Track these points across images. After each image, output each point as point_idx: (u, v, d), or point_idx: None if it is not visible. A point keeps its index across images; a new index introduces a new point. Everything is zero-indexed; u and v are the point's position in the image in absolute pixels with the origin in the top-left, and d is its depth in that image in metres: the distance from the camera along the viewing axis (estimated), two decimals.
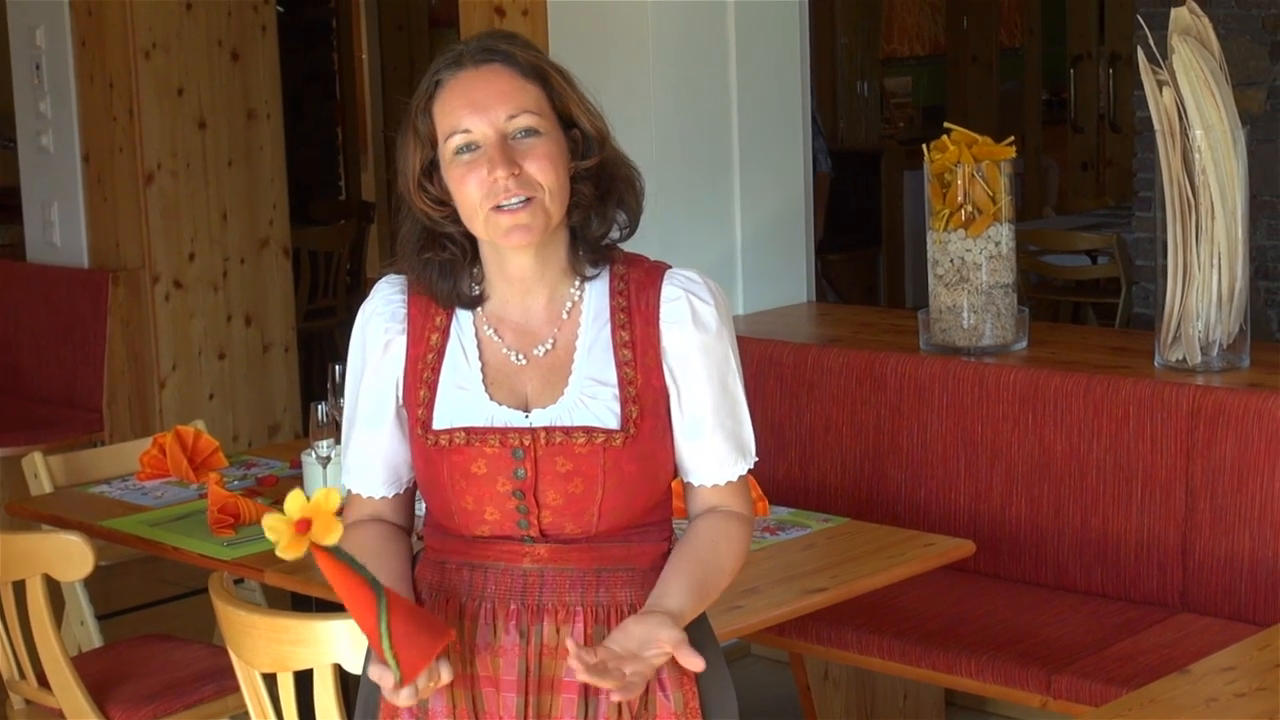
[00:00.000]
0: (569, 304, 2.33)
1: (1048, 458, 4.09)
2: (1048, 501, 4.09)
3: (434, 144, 2.28)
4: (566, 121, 2.29)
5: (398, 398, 2.34)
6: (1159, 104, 4.04)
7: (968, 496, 4.21)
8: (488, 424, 2.27)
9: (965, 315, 4.39)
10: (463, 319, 2.34)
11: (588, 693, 2.27)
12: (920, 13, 11.41)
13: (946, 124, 4.48)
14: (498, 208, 2.23)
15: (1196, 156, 4.00)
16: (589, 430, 2.26)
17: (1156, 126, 4.05)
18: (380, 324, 2.35)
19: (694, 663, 2.19)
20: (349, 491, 2.41)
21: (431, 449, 2.29)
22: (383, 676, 2.12)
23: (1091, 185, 10.73)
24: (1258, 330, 4.82)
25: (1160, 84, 4.03)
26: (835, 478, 4.41)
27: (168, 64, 6.30)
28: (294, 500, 2.08)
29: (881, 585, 3.48)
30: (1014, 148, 4.42)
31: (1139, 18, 4.36)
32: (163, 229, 6.33)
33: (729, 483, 2.37)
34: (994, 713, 4.49)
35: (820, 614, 3.72)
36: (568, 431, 2.26)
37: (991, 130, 4.46)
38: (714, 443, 2.33)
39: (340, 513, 2.13)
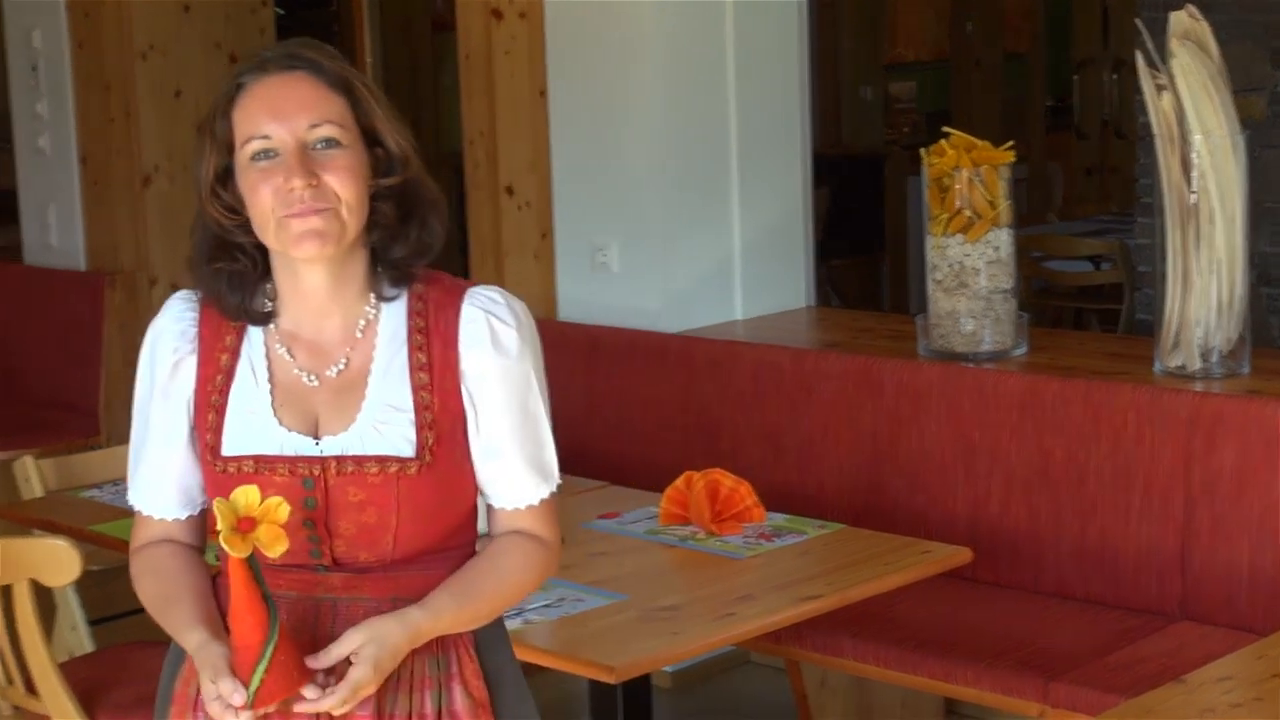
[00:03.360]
0: (363, 323, 2.26)
1: (1046, 464, 4.06)
2: (1046, 509, 4.06)
3: (230, 149, 2.22)
4: (370, 138, 2.23)
5: (189, 420, 2.28)
6: (1158, 109, 4.01)
7: (966, 503, 4.18)
8: (277, 452, 2.22)
9: (964, 321, 4.36)
10: (254, 338, 2.28)
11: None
12: (924, 18, 11.39)
13: (945, 128, 4.45)
14: (289, 215, 2.17)
15: (1196, 162, 3.97)
16: (382, 460, 2.20)
17: (1156, 132, 4.02)
18: (170, 343, 2.29)
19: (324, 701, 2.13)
20: (138, 513, 2.35)
21: (220, 476, 2.23)
22: (233, 694, 2.08)
23: (1096, 191, 10.69)
24: (1261, 337, 4.79)
25: (1159, 89, 4.00)
26: (833, 484, 4.38)
27: (165, 66, 6.28)
28: (245, 494, 2.09)
29: (878, 592, 3.45)
30: (1013, 152, 4.39)
31: (1139, 22, 4.33)
32: (160, 231, 6.30)
33: (530, 506, 2.31)
34: None
35: (817, 621, 3.69)
36: (359, 461, 2.20)
37: (995, 136, 4.43)
38: (513, 466, 2.28)
39: (244, 528, 2.09)
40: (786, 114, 5.12)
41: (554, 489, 2.33)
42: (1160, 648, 3.75)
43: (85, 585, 3.91)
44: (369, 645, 2.15)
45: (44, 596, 3.53)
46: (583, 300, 5.04)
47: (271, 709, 2.13)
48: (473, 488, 2.30)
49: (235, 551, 2.07)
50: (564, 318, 5.08)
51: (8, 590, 3.48)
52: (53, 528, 3.81)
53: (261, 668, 2.09)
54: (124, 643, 4.08)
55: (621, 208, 4.94)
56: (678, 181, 4.91)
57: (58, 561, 3.43)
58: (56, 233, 6.53)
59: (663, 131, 4.88)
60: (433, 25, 10.34)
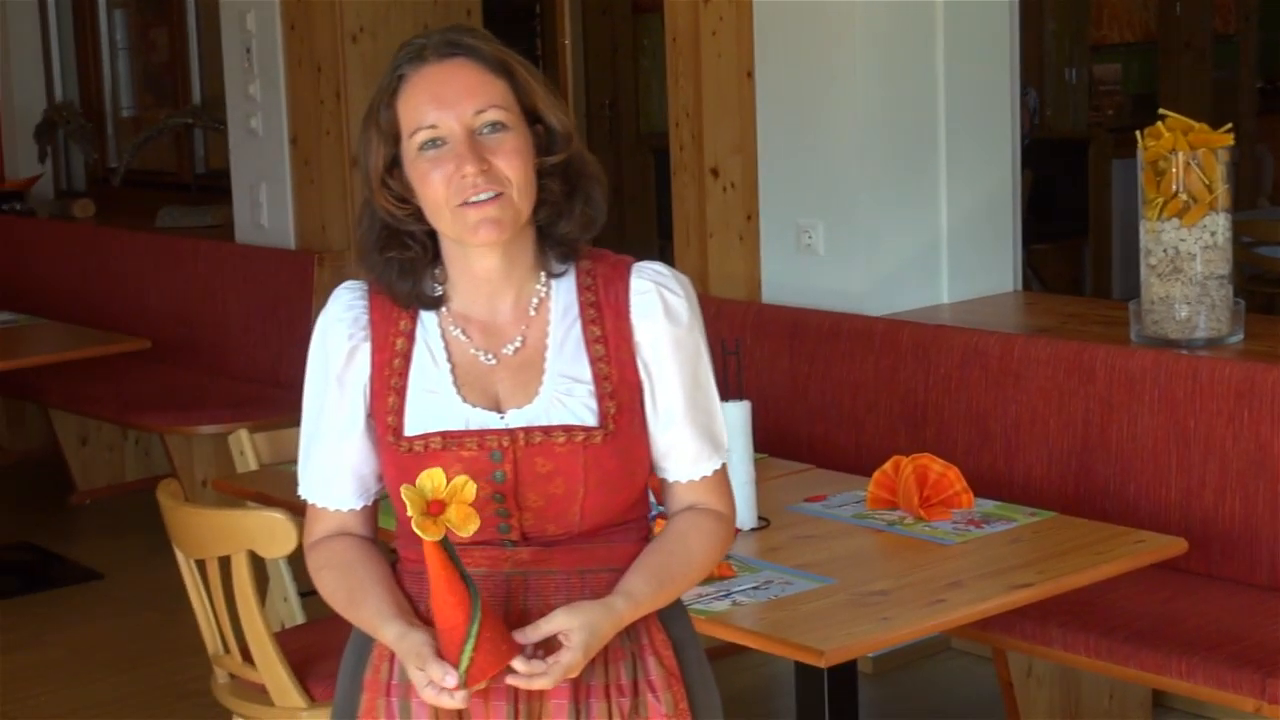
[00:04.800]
0: (535, 300, 2.29)
1: (1264, 454, 3.96)
2: (1264, 499, 3.97)
3: (397, 140, 2.24)
4: (531, 116, 2.26)
5: (365, 406, 2.30)
6: None
7: (1179, 493, 4.10)
8: (463, 427, 2.24)
9: (1178, 307, 4.28)
10: (427, 321, 2.30)
11: (578, 698, 2.25)
12: None
13: (1161, 110, 4.37)
14: (465, 203, 2.19)
15: None
16: (568, 429, 2.23)
17: None
18: (343, 330, 2.31)
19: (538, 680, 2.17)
20: (311, 506, 2.37)
21: (405, 456, 2.24)
22: (445, 676, 2.11)
23: None
24: None
25: None
26: (1041, 471, 4.32)
27: (374, 48, 6.36)
28: (430, 478, 2.10)
29: (1090, 582, 3.39)
30: (1231, 135, 4.29)
31: None
32: None
33: (704, 478, 2.34)
34: (1204, 716, 4.37)
35: (1024, 610, 3.65)
36: (547, 431, 2.23)
37: (1204, 119, 4.34)
38: (687, 436, 2.31)
39: (436, 510, 2.11)
40: (995, 96, 5.06)
41: (725, 459, 2.36)
42: None
43: (294, 556, 3.97)
44: (579, 632, 2.18)
45: (256, 568, 3.60)
46: (787, 282, 5.02)
47: (483, 685, 2.16)
48: (648, 460, 2.33)
49: (428, 535, 2.08)
50: (768, 299, 5.06)
51: (225, 561, 3.56)
52: (267, 500, 3.88)
53: (469, 646, 2.10)
54: (335, 614, 4.14)
55: (828, 189, 4.91)
56: (885, 163, 4.87)
57: (274, 533, 3.50)
58: (267, 212, 6.65)
59: (870, 112, 4.84)
60: (633, 7, 10.36)
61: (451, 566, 2.11)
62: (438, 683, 2.12)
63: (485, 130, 2.21)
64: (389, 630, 2.21)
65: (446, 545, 2.11)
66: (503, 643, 2.14)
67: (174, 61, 8.51)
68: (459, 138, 2.20)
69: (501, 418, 2.24)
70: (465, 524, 2.10)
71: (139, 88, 8.95)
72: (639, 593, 2.25)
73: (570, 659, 2.17)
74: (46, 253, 7.67)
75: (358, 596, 2.27)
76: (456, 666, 2.12)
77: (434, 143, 2.21)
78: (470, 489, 2.10)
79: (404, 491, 2.09)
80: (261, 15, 6.54)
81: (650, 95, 9.99)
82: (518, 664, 2.16)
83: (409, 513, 2.09)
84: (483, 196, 2.20)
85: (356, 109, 6.32)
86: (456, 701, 2.13)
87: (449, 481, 2.11)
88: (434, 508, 2.09)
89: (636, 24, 10.28)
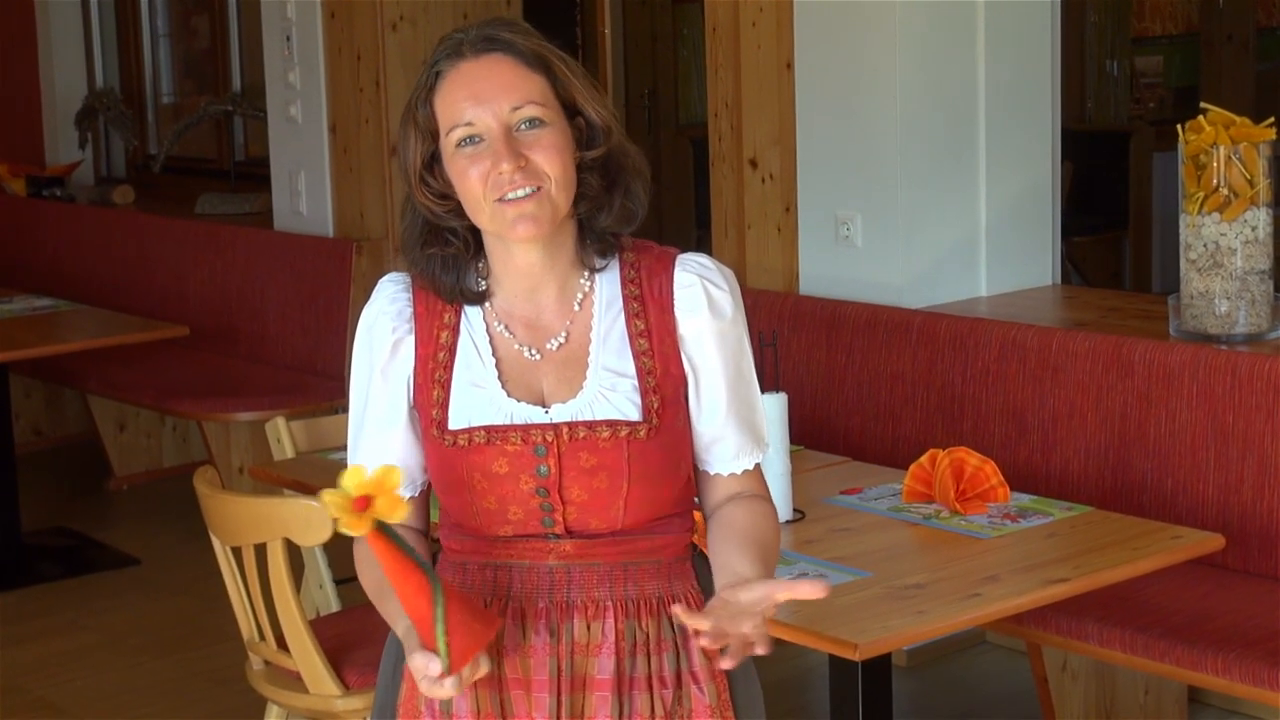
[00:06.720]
0: (580, 295, 2.28)
1: None
2: None
3: (435, 136, 2.23)
4: (571, 110, 2.24)
5: (409, 399, 2.30)
6: None
7: (1217, 488, 4.08)
8: (508, 421, 2.23)
9: (1218, 301, 4.26)
10: (472, 315, 2.29)
11: (621, 690, 2.24)
12: None
13: (1203, 104, 4.35)
14: (502, 199, 2.18)
15: None
16: (613, 423, 2.22)
17: None
18: (387, 324, 2.30)
19: (815, 590, 2.08)
20: None
21: (449, 450, 2.24)
22: (428, 665, 2.07)
23: None
24: None
25: None
26: (1078, 465, 4.31)
27: (414, 36, 6.37)
28: (353, 475, 2.03)
29: (1126, 577, 3.38)
30: (1274, 129, 4.27)
31: None
32: None
33: (745, 471, 2.33)
34: (1240, 712, 4.36)
35: (1060, 604, 3.63)
36: (591, 426, 2.22)
37: (1247, 112, 4.32)
38: (730, 430, 2.30)
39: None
40: (1036, 88, 5.04)
41: (765, 453, 2.36)
42: None
43: (330, 545, 3.98)
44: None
45: (292, 555, 3.60)
46: (825, 274, 5.01)
47: (485, 669, 2.11)
48: (691, 453, 2.32)
49: (357, 530, 2.01)
50: (805, 292, 5.06)
51: (260, 548, 3.57)
52: (303, 488, 3.89)
53: (440, 630, 2.05)
54: (369, 603, 4.15)
55: (866, 181, 4.90)
56: (924, 155, 4.86)
57: (310, 521, 3.50)
58: (306, 200, 6.67)
59: (910, 104, 4.83)
60: None
61: (402, 555, 2.05)
62: (424, 672, 2.08)
63: (523, 126, 2.20)
64: (400, 624, 2.19)
65: (390, 534, 2.04)
66: (476, 621, 2.10)
67: (214, 49, 8.53)
68: (496, 135, 2.19)
69: (546, 412, 2.24)
70: (392, 513, 2.02)
71: (179, 75, 8.98)
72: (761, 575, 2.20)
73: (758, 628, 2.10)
74: (86, 239, 7.70)
75: (385, 589, 2.24)
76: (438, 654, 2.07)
77: (471, 140, 2.20)
78: (395, 476, 2.03)
79: (325, 496, 2.02)
80: (302, 3, 6.55)
81: (690, 86, 9.98)
82: (679, 610, 2.11)
83: (332, 514, 2.01)
84: (520, 193, 2.19)
85: (396, 97, 6.33)
86: (447, 689, 2.07)
87: (370, 474, 2.03)
88: (360, 504, 2.02)
89: (676, 14, 10.28)
